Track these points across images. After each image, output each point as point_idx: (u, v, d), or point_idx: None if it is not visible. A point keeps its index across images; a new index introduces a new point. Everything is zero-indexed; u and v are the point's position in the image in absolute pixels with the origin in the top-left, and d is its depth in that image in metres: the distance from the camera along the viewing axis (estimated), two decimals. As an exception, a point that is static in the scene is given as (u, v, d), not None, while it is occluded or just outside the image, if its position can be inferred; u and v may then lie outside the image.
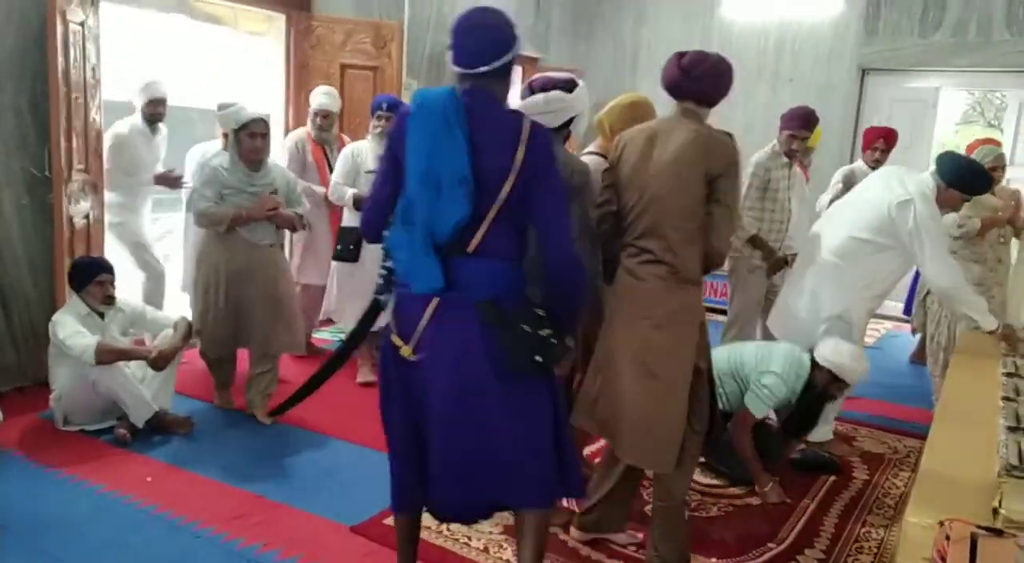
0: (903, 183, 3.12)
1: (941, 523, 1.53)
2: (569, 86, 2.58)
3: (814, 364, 3.09)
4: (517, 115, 1.96)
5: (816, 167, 6.75)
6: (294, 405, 2.43)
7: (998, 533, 1.52)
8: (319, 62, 5.13)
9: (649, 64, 7.45)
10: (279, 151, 4.78)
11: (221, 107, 3.66)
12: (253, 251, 3.58)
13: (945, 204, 3.15)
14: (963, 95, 13.85)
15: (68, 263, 3.69)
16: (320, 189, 4.45)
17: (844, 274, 3.19)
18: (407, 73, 5.48)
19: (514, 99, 2.33)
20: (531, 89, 2.59)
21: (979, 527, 1.52)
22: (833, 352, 3.06)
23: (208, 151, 4.40)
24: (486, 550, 2.62)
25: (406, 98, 4.84)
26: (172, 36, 4.83)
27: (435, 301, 1.91)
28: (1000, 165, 4.06)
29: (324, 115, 4.53)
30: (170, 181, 4.41)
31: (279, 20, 5.11)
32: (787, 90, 6.87)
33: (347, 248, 4.12)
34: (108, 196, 4.20)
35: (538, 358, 1.90)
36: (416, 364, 1.96)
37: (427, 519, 2.75)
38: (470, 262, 1.90)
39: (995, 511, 1.62)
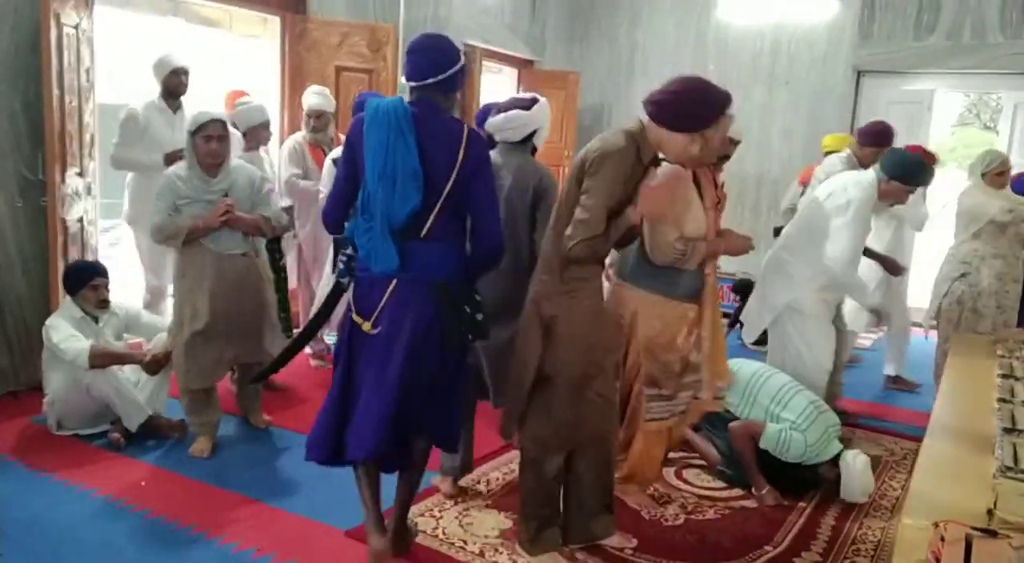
0: (845, 179, 3.43)
1: (936, 524, 1.53)
2: (528, 105, 2.92)
3: (835, 457, 3.12)
4: (458, 122, 2.37)
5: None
6: (268, 375, 3.00)
7: (992, 534, 1.52)
8: (314, 65, 5.13)
9: (645, 67, 7.46)
10: (275, 156, 4.76)
11: (238, 104, 3.49)
12: (224, 263, 3.27)
13: (888, 196, 3.38)
14: (959, 97, 13.90)
15: (62, 266, 3.68)
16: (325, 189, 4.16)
17: (791, 268, 3.39)
18: (402, 76, 5.48)
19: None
20: (498, 111, 2.93)
21: (974, 528, 1.52)
22: (857, 467, 3.06)
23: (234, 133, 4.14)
24: (481, 554, 2.61)
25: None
26: (166, 39, 4.82)
27: (394, 282, 2.30)
28: (1006, 170, 4.14)
29: (317, 115, 4.43)
30: (179, 160, 3.78)
31: (274, 23, 5.10)
32: (783, 92, 6.89)
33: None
34: (128, 182, 4.05)
35: (470, 336, 2.40)
36: (373, 336, 2.33)
37: (423, 523, 2.75)
38: (423, 245, 2.30)
39: (990, 512, 1.62)
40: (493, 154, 2.76)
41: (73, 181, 3.85)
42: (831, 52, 6.66)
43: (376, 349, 2.32)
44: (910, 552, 1.57)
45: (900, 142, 6.49)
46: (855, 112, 6.69)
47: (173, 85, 4.06)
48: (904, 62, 6.40)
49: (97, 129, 4.06)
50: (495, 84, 7.60)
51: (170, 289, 4.16)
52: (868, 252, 4.01)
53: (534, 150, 3.02)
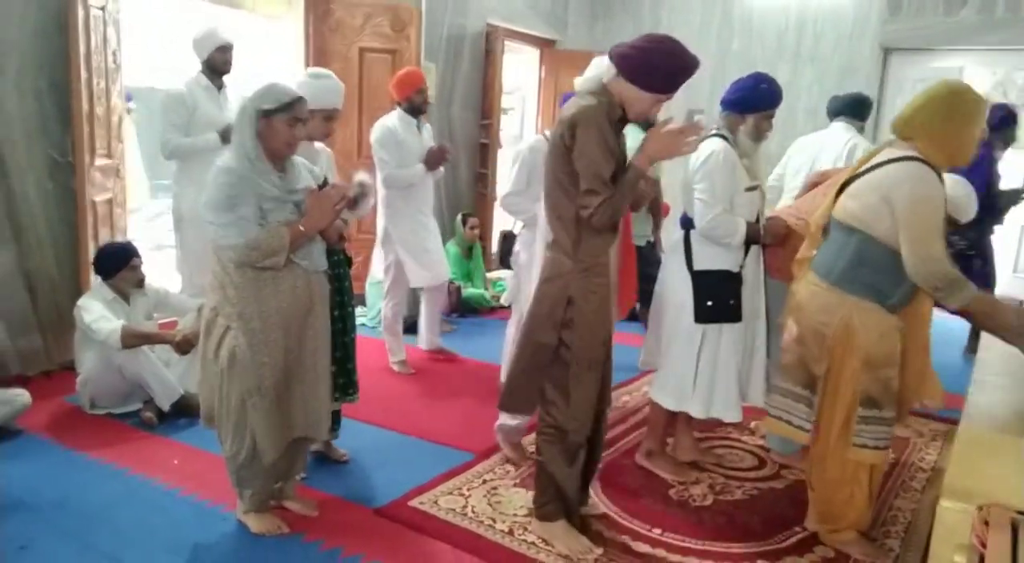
0: None
1: (980, 508, 1.50)
2: None
3: None
4: None
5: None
6: None
7: (1038, 518, 1.49)
8: (338, 46, 5.11)
9: (668, 45, 7.35)
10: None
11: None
12: (313, 286, 2.48)
13: None
14: (986, 76, 13.51)
15: (92, 248, 3.70)
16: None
17: None
18: (425, 56, 5.44)
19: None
20: None
21: (1019, 513, 1.49)
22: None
23: None
24: (511, 532, 2.62)
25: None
26: (189, 22, 4.81)
27: None
28: None
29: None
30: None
31: (297, 3, 5.08)
32: (808, 70, 6.77)
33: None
34: (174, 173, 3.92)
35: None
36: None
37: (452, 502, 2.77)
38: None
39: (1032, 495, 1.59)
40: None
41: (101, 163, 3.87)
42: (858, 29, 6.53)
43: None
44: (949, 536, 1.54)
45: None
46: (881, 91, 6.57)
47: (219, 62, 3.86)
48: (933, 38, 6.26)
49: (124, 112, 4.07)
50: (517, 64, 7.53)
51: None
52: None
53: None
